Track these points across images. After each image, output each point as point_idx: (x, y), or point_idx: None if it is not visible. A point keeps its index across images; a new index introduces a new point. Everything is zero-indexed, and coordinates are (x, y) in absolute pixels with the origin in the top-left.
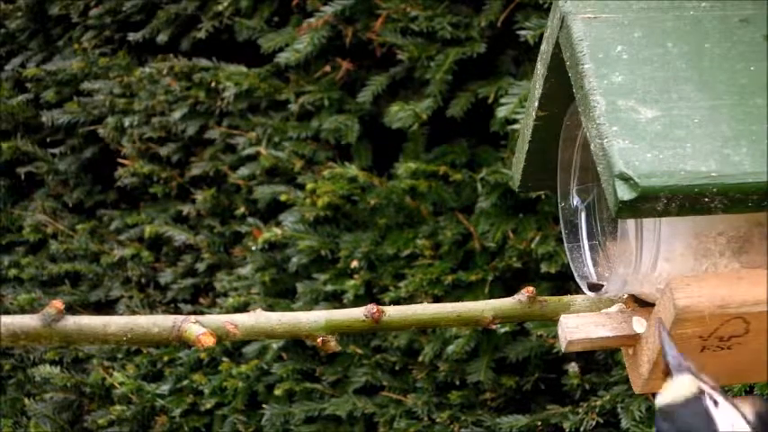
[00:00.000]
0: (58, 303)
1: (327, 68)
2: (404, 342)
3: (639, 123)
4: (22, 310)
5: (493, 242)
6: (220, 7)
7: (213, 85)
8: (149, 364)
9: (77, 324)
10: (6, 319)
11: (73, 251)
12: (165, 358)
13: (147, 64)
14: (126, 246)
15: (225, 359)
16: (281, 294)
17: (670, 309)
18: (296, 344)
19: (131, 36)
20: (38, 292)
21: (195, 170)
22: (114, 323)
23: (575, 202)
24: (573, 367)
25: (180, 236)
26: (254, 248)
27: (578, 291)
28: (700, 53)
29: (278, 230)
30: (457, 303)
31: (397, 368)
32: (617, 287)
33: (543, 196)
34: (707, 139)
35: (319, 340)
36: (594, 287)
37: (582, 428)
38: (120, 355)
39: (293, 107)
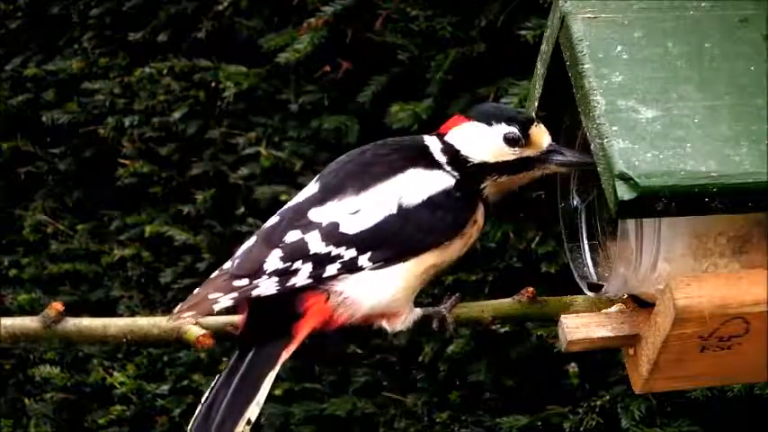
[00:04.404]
0: (57, 305)
1: (327, 68)
2: (404, 342)
3: (639, 123)
4: (22, 310)
5: (493, 242)
6: (220, 7)
7: (213, 85)
8: (149, 364)
9: (77, 326)
10: (7, 320)
11: (73, 251)
12: (165, 358)
13: (148, 64)
14: (126, 246)
15: (225, 359)
16: None
17: (670, 309)
18: None
19: (131, 36)
20: (38, 292)
21: (195, 170)
22: (114, 325)
23: (575, 202)
24: (573, 367)
25: (180, 236)
26: None
27: (578, 291)
28: (700, 53)
29: None
30: None
31: (397, 368)
32: (617, 287)
33: (543, 196)
34: (707, 138)
35: None
36: (594, 287)
37: (582, 428)
38: (120, 355)
39: (293, 107)
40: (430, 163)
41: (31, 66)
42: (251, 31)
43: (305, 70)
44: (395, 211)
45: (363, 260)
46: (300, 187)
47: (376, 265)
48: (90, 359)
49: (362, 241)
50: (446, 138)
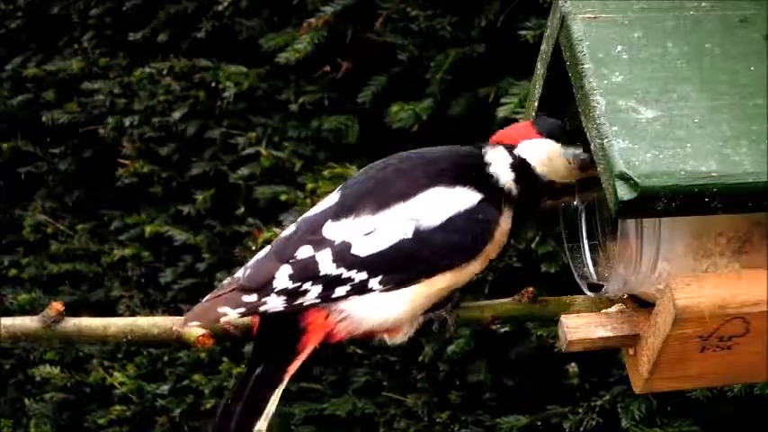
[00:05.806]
0: (57, 305)
1: (327, 68)
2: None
3: (639, 123)
4: (23, 310)
5: None
6: (220, 7)
7: (213, 85)
8: (149, 364)
9: (77, 326)
10: (7, 320)
11: (73, 251)
12: (165, 358)
13: (147, 64)
14: (126, 246)
15: (225, 359)
16: None
17: (670, 309)
18: None
19: (131, 36)
20: (38, 292)
21: (195, 170)
22: (114, 325)
23: (575, 202)
24: (573, 367)
25: (180, 236)
26: (254, 248)
27: (578, 291)
28: (700, 53)
29: (278, 230)
30: None
31: (397, 368)
32: (617, 287)
33: None
34: (707, 138)
35: None
36: (594, 287)
37: (582, 428)
38: (120, 355)
39: (293, 107)
40: (454, 180)
41: (31, 66)
42: (251, 31)
43: (305, 70)
44: (410, 235)
45: (374, 283)
46: (300, 187)
47: (386, 288)
48: (90, 359)
49: (374, 264)
50: (516, 151)
